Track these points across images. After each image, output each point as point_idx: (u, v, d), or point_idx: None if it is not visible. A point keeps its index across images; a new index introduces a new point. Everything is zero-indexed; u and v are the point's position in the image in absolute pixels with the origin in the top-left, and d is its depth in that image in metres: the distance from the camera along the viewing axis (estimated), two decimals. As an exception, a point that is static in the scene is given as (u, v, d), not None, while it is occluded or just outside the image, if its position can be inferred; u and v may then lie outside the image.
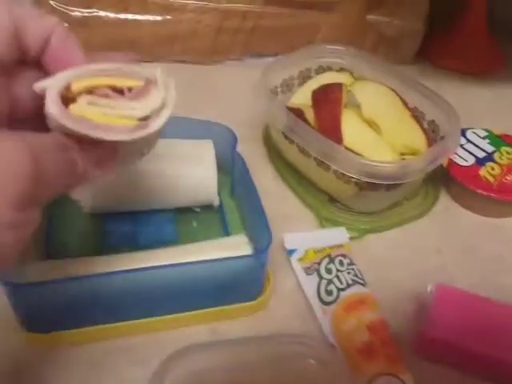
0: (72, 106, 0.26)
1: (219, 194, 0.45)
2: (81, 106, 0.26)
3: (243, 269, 0.37)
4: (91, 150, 0.27)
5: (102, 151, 0.28)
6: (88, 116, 0.26)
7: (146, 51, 0.63)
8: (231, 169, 0.46)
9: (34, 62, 0.28)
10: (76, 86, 0.26)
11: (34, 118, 0.28)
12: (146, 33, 0.62)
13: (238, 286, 0.38)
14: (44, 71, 0.28)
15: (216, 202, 0.45)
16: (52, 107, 0.25)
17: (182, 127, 0.43)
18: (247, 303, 0.38)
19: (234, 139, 0.45)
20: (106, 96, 0.27)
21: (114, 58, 0.29)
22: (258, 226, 0.39)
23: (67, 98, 0.26)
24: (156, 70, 0.28)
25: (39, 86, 0.26)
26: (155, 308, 0.37)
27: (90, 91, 0.27)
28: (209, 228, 0.44)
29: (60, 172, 0.26)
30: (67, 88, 0.26)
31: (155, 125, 0.27)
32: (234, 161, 0.45)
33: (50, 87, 0.26)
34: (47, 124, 0.27)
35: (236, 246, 0.39)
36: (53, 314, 0.35)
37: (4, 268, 0.26)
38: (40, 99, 0.26)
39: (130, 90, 0.28)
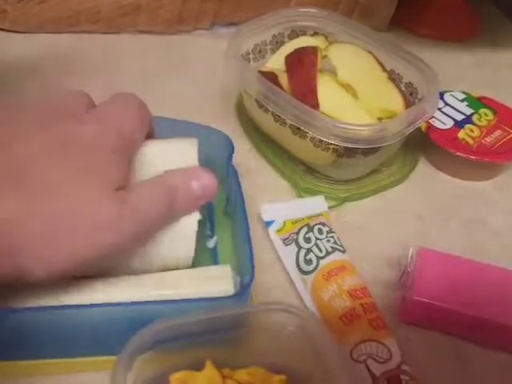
0: None
1: (213, 209, 0.40)
2: None
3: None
4: None
5: None
6: None
7: (109, 23, 0.59)
8: (225, 181, 0.40)
9: None
10: None
11: None
12: (109, 3, 0.58)
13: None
14: None
15: None
16: None
17: (171, 130, 0.37)
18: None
19: (231, 149, 0.39)
20: None
21: None
22: (243, 259, 0.34)
23: None
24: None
25: None
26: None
27: None
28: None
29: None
30: None
31: None
32: (228, 173, 0.39)
33: None
34: None
35: (216, 280, 0.33)
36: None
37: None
38: None
39: None
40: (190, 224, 0.33)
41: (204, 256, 0.37)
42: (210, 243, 0.39)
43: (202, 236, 0.37)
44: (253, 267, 0.32)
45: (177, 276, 0.33)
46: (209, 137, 0.39)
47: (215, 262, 0.38)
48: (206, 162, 0.35)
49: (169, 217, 0.31)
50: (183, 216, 0.32)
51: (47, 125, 0.28)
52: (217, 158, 0.39)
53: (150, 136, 0.34)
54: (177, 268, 0.33)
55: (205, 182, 0.32)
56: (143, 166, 0.32)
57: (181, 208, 0.31)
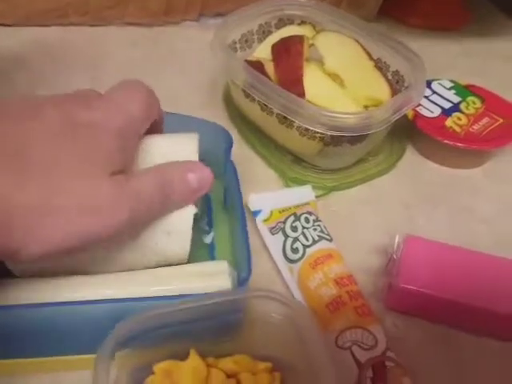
0: None
1: (212, 204, 0.40)
2: None
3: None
4: None
5: None
6: None
7: (97, 15, 0.59)
8: (223, 176, 0.39)
9: None
10: None
11: None
12: (95, -6, 0.58)
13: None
14: None
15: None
16: None
17: (172, 124, 0.36)
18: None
19: (229, 143, 0.39)
20: None
21: None
22: (240, 254, 0.34)
23: None
24: None
25: None
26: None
27: None
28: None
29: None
30: None
31: None
32: (226, 168, 0.39)
33: None
34: None
35: (211, 275, 0.32)
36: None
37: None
38: None
39: None
40: (186, 217, 0.32)
41: (201, 251, 0.37)
42: (207, 239, 0.39)
43: (199, 231, 0.37)
44: (250, 263, 0.32)
45: (173, 272, 0.33)
46: (208, 131, 0.38)
47: (212, 257, 0.38)
48: (204, 156, 0.35)
49: (165, 207, 0.31)
50: (179, 209, 0.32)
51: (52, 108, 0.29)
52: (215, 152, 0.38)
53: (159, 124, 0.34)
54: (173, 261, 0.33)
55: (201, 175, 0.32)
56: (143, 160, 0.32)
57: (177, 200, 0.32)
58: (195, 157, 0.34)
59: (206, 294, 0.30)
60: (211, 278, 0.32)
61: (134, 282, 0.31)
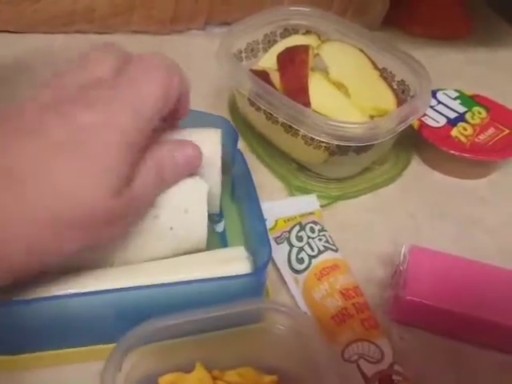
0: None
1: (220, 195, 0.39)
2: None
3: (237, 289, 0.32)
4: None
5: None
6: None
7: (103, 22, 0.59)
8: (231, 168, 0.40)
9: None
10: None
11: None
12: (102, 2, 0.58)
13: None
14: None
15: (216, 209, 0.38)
16: None
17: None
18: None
19: (235, 135, 0.39)
20: None
21: None
22: (257, 238, 0.35)
23: None
24: None
25: None
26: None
27: None
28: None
29: None
30: None
31: None
32: (234, 159, 0.40)
33: None
34: None
35: (231, 261, 0.33)
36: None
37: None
38: None
39: None
40: (199, 195, 0.33)
41: (213, 240, 0.37)
42: (219, 227, 0.39)
43: (210, 221, 0.37)
44: (269, 245, 0.33)
45: (193, 260, 0.33)
46: (210, 124, 0.38)
47: (224, 245, 0.38)
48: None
49: (160, 191, 0.32)
50: (189, 189, 0.33)
51: (52, 116, 0.27)
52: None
53: (184, 100, 0.33)
54: (193, 241, 0.33)
55: (188, 153, 0.32)
56: None
57: (169, 182, 0.32)
58: (218, 153, 0.35)
59: (210, 307, 0.30)
60: (230, 264, 0.32)
61: (154, 272, 0.32)
